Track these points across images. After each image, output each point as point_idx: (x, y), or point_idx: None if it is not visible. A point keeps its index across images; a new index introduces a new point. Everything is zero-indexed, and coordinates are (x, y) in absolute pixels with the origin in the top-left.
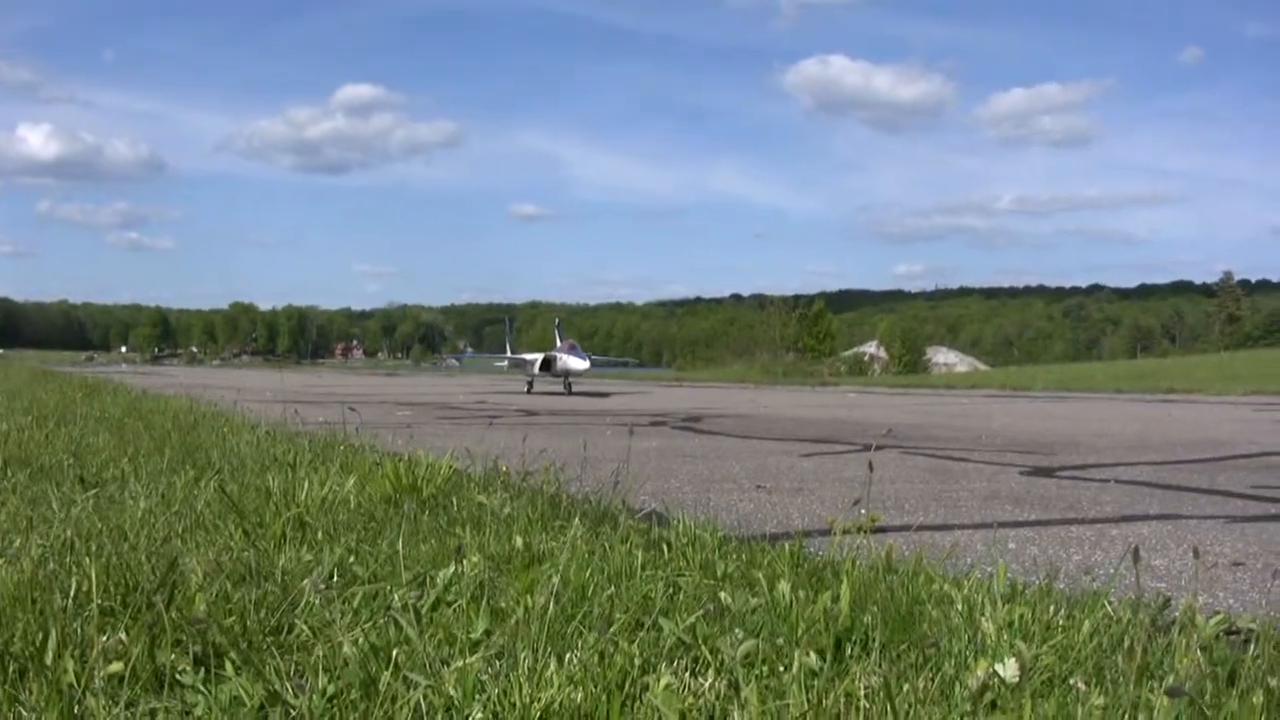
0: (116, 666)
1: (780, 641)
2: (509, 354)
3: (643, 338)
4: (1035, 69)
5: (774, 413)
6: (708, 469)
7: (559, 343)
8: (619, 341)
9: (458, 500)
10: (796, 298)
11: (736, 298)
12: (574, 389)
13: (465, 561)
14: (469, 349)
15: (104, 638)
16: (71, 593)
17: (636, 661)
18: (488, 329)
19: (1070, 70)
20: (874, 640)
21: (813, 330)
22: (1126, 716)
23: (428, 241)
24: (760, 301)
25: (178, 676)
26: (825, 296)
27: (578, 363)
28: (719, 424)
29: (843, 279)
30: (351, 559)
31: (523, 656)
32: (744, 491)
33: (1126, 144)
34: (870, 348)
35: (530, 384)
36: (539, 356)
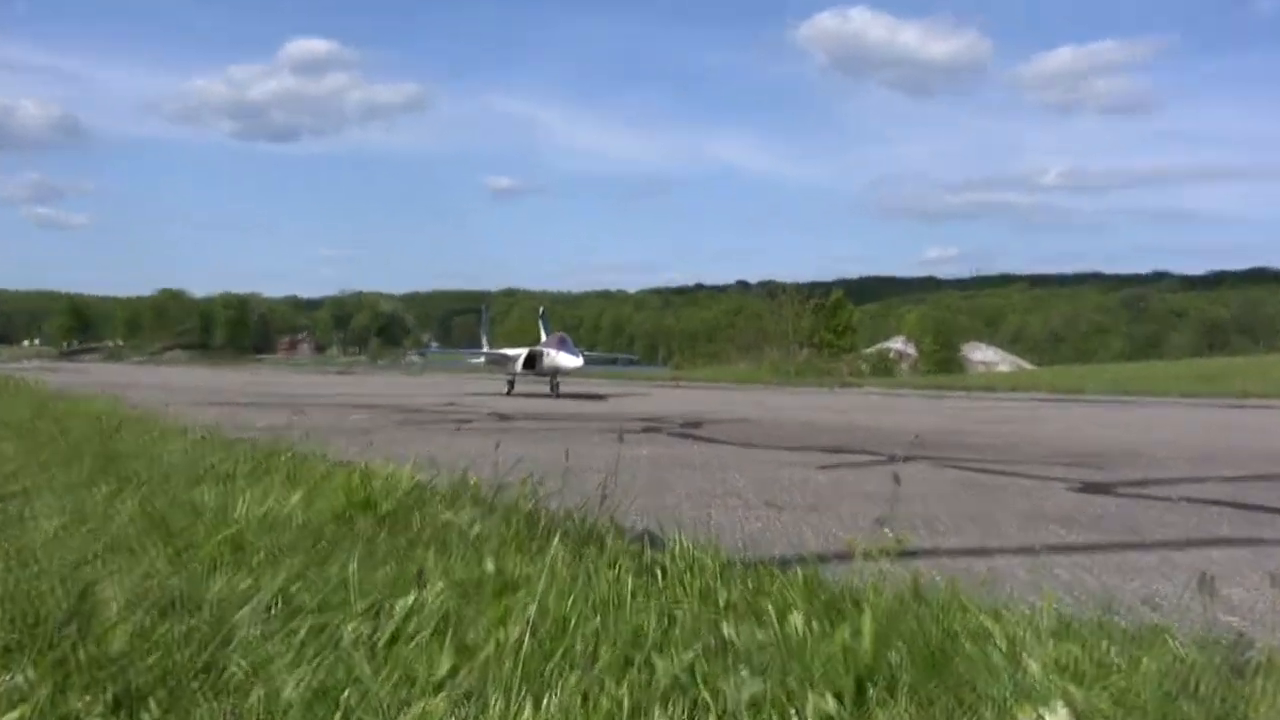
0: (16, 714)
1: (792, 682)
2: (485, 349)
3: (635, 331)
4: (1086, 24)
5: (785, 417)
6: (709, 482)
7: (544, 336)
8: (608, 335)
9: (420, 517)
10: (812, 285)
11: (742, 285)
12: (561, 390)
13: (428, 588)
14: (435, 344)
15: (5, 678)
16: None
17: (625, 705)
18: (457, 320)
19: (1127, 25)
20: (901, 681)
21: (830, 323)
22: None
23: (388, 219)
24: (770, 290)
25: None
26: (845, 284)
27: (569, 360)
28: (722, 430)
29: (865, 264)
30: (296, 586)
31: (494, 699)
32: (750, 508)
33: (1193, 110)
34: (897, 343)
35: (511, 384)
36: (522, 352)
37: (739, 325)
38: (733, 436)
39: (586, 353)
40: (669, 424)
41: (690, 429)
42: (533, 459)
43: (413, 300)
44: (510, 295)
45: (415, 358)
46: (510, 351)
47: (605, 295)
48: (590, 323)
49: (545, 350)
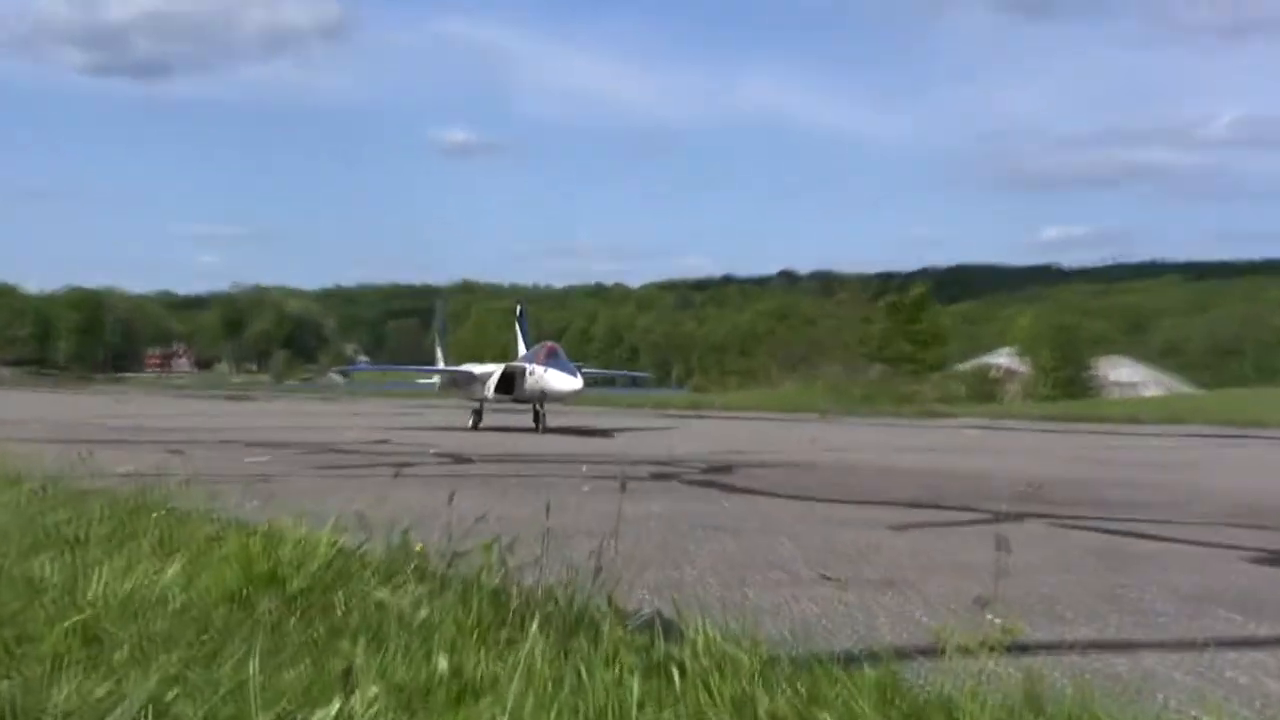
0: None
1: None
2: (441, 364)
3: (639, 340)
4: None
5: (849, 460)
6: (743, 549)
7: (523, 346)
8: (602, 346)
9: (345, 597)
10: (884, 278)
11: (787, 278)
12: (548, 423)
13: (357, 695)
14: (364, 358)
15: None
16: None
17: None
18: (393, 325)
19: None
20: None
21: (910, 329)
22: None
23: (298, 188)
24: (825, 284)
25: None
26: (930, 276)
27: (563, 381)
28: (761, 477)
29: (957, 249)
30: (173, 693)
31: None
32: (801, 585)
33: None
34: (1002, 357)
35: (478, 414)
36: (495, 370)
37: (782, 333)
38: (776, 486)
39: (587, 371)
40: (688, 469)
41: (717, 475)
42: (501, 517)
43: (333, 298)
44: (467, 291)
45: (337, 377)
46: (478, 369)
47: (598, 291)
48: (577, 328)
49: (528, 367)
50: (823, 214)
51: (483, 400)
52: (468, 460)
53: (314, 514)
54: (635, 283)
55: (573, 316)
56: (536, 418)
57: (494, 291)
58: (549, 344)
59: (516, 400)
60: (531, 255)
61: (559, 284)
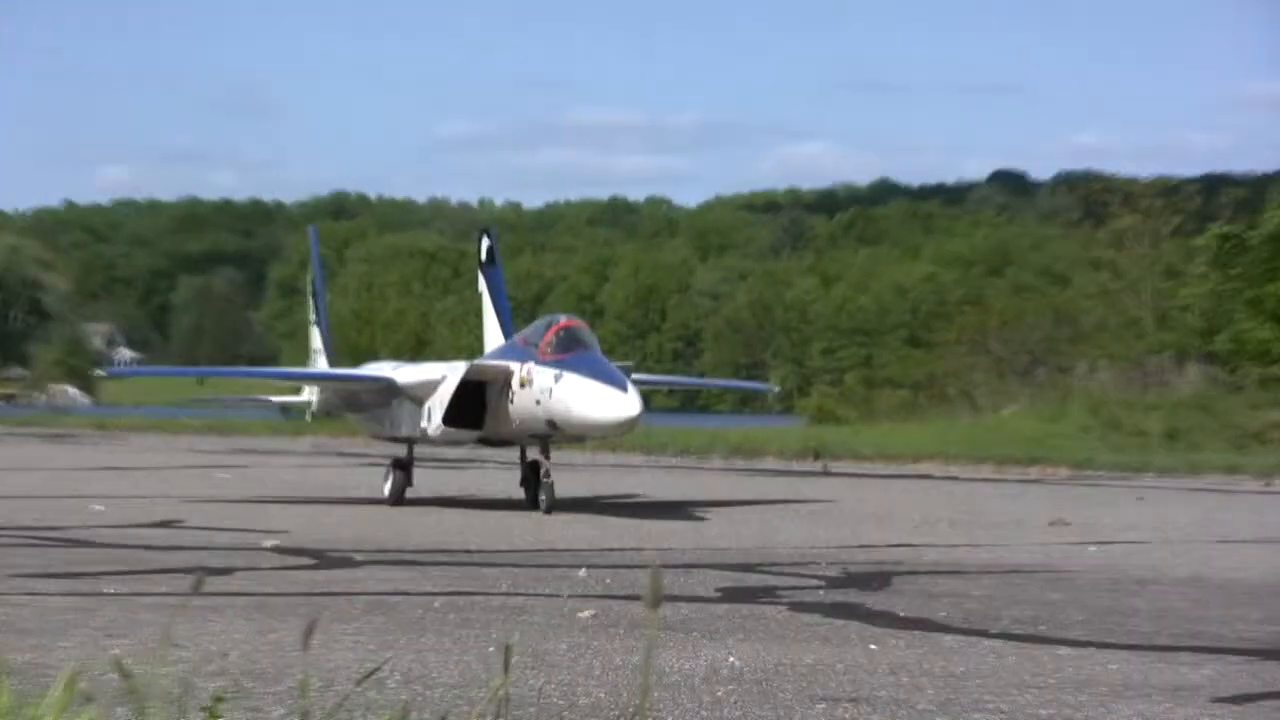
0: None
1: None
2: (320, 361)
3: (691, 313)
4: None
5: (1130, 560)
6: None
7: (497, 329)
8: (621, 329)
9: None
10: (1170, 185)
11: (1004, 183)
12: (552, 487)
13: None
14: (127, 352)
15: None
16: None
17: None
18: (186, 284)
19: None
20: None
21: (1265, 292)
22: None
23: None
24: (1090, 194)
25: None
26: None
27: (599, 400)
28: (948, 595)
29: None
30: None
31: None
32: None
33: None
34: None
35: (403, 468)
36: (442, 375)
37: (997, 301)
38: (979, 615)
39: (640, 376)
40: (803, 578)
41: (861, 591)
42: (410, 678)
43: (48, 229)
44: (338, 212)
45: (76, 393)
46: (408, 373)
47: (609, 209)
48: (570, 287)
49: (519, 370)
50: (1052, 65)
51: (413, 439)
52: (343, 562)
53: (28, 672)
54: (681, 199)
55: (561, 268)
56: (532, 477)
57: (390, 211)
58: (563, 320)
59: (487, 440)
60: (483, 139)
61: (539, 201)
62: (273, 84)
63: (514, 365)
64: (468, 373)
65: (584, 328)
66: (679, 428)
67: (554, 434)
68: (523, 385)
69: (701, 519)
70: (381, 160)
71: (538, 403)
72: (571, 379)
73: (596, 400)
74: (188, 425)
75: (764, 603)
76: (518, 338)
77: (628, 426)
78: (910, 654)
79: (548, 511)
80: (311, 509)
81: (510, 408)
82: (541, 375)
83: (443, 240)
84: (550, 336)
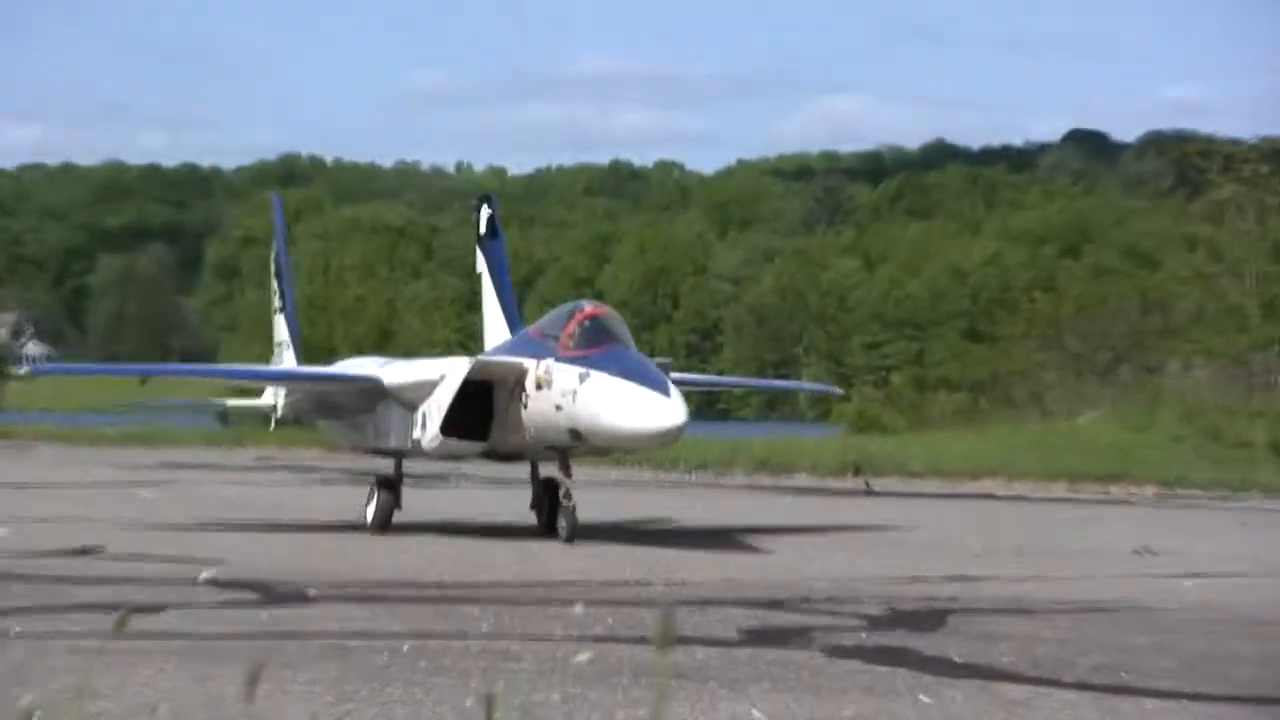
0: None
1: None
2: (286, 357)
3: (707, 300)
4: None
5: (1225, 600)
6: None
7: (501, 321)
8: (628, 316)
9: None
10: None
11: (1083, 143)
12: (574, 511)
13: None
14: (35, 347)
15: None
16: None
17: None
18: (106, 262)
19: None
20: None
21: None
22: None
23: None
24: (1182, 154)
25: None
26: None
27: (636, 407)
28: (1011, 639)
29: None
30: None
31: None
32: None
33: None
34: None
35: (389, 488)
36: (440, 374)
37: (1074, 286)
38: (1047, 663)
39: (684, 375)
40: (842, 616)
41: (910, 633)
42: None
43: None
44: (287, 179)
45: None
46: (396, 372)
47: (615, 173)
48: (565, 267)
49: (535, 368)
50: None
51: (403, 452)
52: (293, 598)
53: None
54: (698, 165)
55: (553, 246)
56: (548, 498)
57: (350, 176)
58: (589, 307)
59: (493, 454)
60: (461, 93)
61: (529, 166)
62: (210, 26)
63: (528, 362)
64: (471, 371)
65: (614, 317)
66: (694, 436)
67: (577, 446)
68: (539, 387)
69: (723, 547)
70: (339, 117)
71: (558, 408)
72: (600, 379)
73: (632, 406)
74: (105, 436)
75: (795, 646)
76: (532, 329)
77: (670, 438)
78: (968, 708)
79: (569, 540)
80: (257, 535)
81: (524, 414)
82: (563, 375)
83: (412, 213)
84: (573, 327)
